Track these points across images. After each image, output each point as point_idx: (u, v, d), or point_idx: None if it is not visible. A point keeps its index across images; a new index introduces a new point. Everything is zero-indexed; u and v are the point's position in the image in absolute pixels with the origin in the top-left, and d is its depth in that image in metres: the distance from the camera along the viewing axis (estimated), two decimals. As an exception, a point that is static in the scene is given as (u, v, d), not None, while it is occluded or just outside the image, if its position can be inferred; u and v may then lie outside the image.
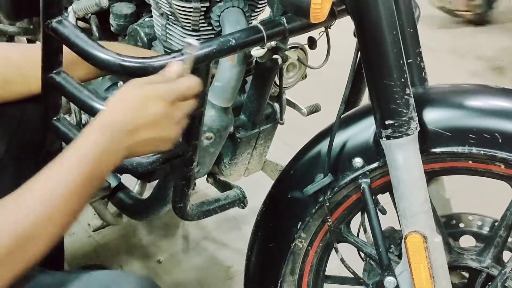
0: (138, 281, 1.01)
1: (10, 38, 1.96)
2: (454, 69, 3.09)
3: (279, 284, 1.30)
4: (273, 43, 1.25)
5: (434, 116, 1.11)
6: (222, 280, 1.97)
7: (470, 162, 1.11)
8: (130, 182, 1.56)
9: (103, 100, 1.22)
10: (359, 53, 1.08)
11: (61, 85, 1.20)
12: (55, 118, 1.29)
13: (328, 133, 1.20)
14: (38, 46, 1.23)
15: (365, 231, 1.28)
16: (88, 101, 1.20)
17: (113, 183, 1.50)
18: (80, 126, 1.58)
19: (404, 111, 1.05)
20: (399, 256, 1.19)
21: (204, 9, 1.29)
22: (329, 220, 1.21)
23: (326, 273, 1.34)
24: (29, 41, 1.93)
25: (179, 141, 1.30)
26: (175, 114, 1.05)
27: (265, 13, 1.30)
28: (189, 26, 1.31)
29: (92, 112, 1.23)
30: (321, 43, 1.32)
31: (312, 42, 1.32)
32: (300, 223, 1.24)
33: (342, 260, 1.24)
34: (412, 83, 1.11)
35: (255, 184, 1.67)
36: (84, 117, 1.59)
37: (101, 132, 0.99)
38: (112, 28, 1.51)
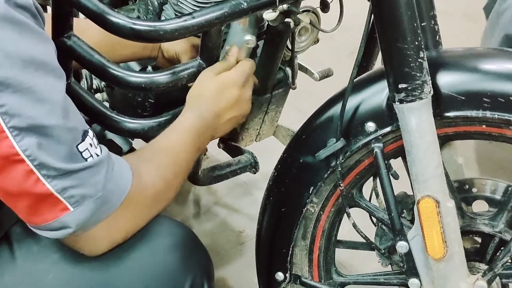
0: (173, 224, 1.15)
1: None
2: (468, 33, 3.06)
3: (290, 249, 1.30)
4: (285, 6, 1.23)
5: (448, 80, 1.10)
6: (234, 245, 1.98)
7: (484, 126, 1.10)
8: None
9: (114, 64, 1.21)
10: (372, 16, 1.07)
11: (72, 49, 1.20)
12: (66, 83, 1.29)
13: (340, 97, 1.19)
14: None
15: (377, 196, 1.27)
16: (100, 65, 1.20)
17: (125, 148, 1.49)
18: (91, 91, 1.57)
19: (418, 74, 1.04)
20: (411, 221, 1.19)
21: (215, -29, 1.28)
22: (341, 184, 1.20)
23: (338, 238, 1.34)
24: (39, 5, 1.92)
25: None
26: (246, 93, 1.28)
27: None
28: (200, -11, 1.30)
29: (104, 76, 1.22)
30: (334, 6, 1.31)
31: (324, 5, 1.30)
32: (312, 187, 1.23)
33: (354, 225, 1.24)
34: (426, 46, 1.10)
35: (266, 149, 1.67)
36: (95, 82, 1.58)
37: (194, 118, 1.20)
38: (122, -8, 1.50)
